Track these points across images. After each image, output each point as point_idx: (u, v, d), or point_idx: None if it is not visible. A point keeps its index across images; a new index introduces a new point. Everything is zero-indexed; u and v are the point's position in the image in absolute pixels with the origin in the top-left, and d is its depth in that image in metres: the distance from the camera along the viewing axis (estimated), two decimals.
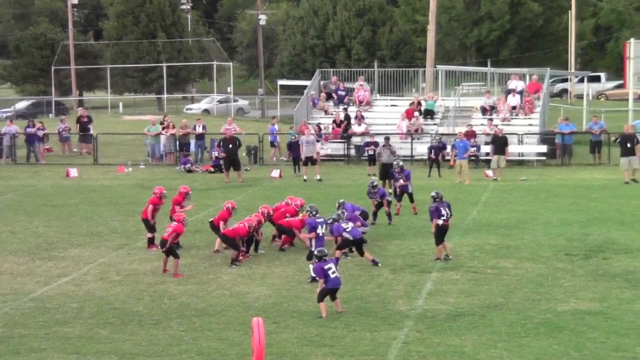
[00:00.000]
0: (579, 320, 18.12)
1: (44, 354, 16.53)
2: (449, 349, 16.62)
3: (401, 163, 30.45)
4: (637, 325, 17.80)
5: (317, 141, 41.51)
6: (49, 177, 40.90)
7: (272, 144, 46.34)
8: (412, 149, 43.69)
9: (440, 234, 23.17)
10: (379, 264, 22.83)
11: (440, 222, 22.94)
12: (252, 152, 44.99)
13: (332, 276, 18.50)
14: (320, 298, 18.59)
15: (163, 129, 45.68)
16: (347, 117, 46.34)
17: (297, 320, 18.41)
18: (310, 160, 39.08)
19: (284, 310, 19.15)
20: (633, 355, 16.20)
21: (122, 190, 36.48)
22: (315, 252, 19.22)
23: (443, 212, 22.99)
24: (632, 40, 49.01)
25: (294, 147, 41.45)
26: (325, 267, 18.54)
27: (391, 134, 44.56)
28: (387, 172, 33.55)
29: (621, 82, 65.40)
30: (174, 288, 21.06)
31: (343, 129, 45.73)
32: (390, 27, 78.52)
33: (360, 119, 46.13)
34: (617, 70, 74.93)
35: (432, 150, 40.06)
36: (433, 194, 23.54)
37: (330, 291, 18.62)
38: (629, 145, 37.12)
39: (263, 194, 35.16)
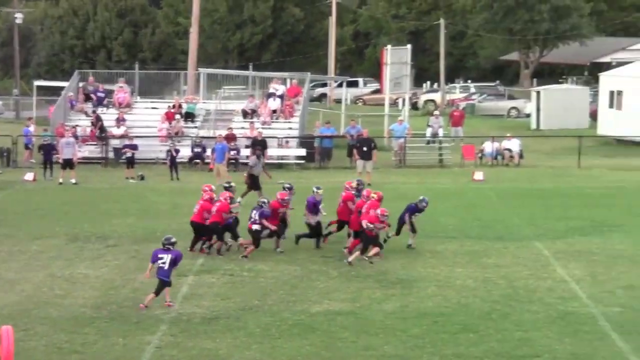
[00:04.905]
0: (331, 321, 18.44)
1: None
2: (202, 352, 16.61)
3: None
4: (386, 324, 18.28)
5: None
6: None
7: (27, 146, 44.80)
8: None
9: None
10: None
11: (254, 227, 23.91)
12: (5, 154, 43.41)
13: None
14: None
15: None
16: (98, 119, 45.13)
17: (47, 327, 17.90)
18: (69, 164, 37.92)
19: (33, 317, 18.58)
20: (381, 354, 16.64)
21: None
22: None
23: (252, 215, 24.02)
24: (389, 47, 50.71)
25: (45, 149, 40.12)
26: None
27: (152, 136, 44.22)
28: (257, 183, 32.83)
29: (378, 87, 67.25)
30: None
31: (98, 131, 44.65)
32: (153, 29, 77.90)
33: (120, 121, 45.27)
34: (374, 76, 77.04)
35: (170, 154, 39.55)
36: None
37: None
38: (365, 149, 38.40)
39: (16, 197, 34.06)
